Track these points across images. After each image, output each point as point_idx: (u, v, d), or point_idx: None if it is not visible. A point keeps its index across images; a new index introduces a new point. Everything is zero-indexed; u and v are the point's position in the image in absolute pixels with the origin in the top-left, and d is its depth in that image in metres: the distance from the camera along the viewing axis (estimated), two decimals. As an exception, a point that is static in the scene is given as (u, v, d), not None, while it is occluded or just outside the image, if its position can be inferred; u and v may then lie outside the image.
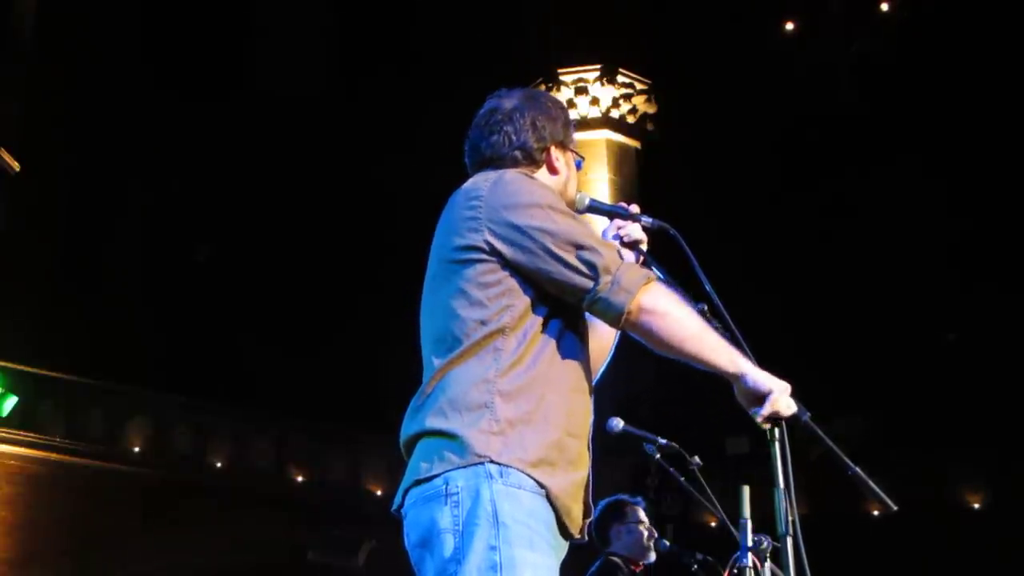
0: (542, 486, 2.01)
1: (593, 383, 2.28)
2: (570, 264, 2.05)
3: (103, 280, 16.95)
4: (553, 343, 2.10)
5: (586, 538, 2.18)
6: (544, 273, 2.07)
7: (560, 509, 2.04)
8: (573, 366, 2.13)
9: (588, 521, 2.18)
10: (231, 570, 13.77)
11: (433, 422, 2.03)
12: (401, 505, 2.09)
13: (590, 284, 2.04)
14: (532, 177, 2.22)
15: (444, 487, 1.98)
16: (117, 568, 13.38)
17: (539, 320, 2.09)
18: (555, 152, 2.31)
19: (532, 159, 2.29)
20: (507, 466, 1.98)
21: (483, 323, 2.06)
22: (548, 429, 2.03)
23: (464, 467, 1.97)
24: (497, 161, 2.27)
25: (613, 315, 2.05)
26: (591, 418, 2.19)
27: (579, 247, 2.06)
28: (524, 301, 2.08)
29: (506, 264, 2.08)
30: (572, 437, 2.08)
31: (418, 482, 2.02)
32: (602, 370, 2.36)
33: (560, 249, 2.05)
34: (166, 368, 15.83)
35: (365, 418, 14.26)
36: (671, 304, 2.06)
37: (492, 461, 1.97)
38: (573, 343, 2.14)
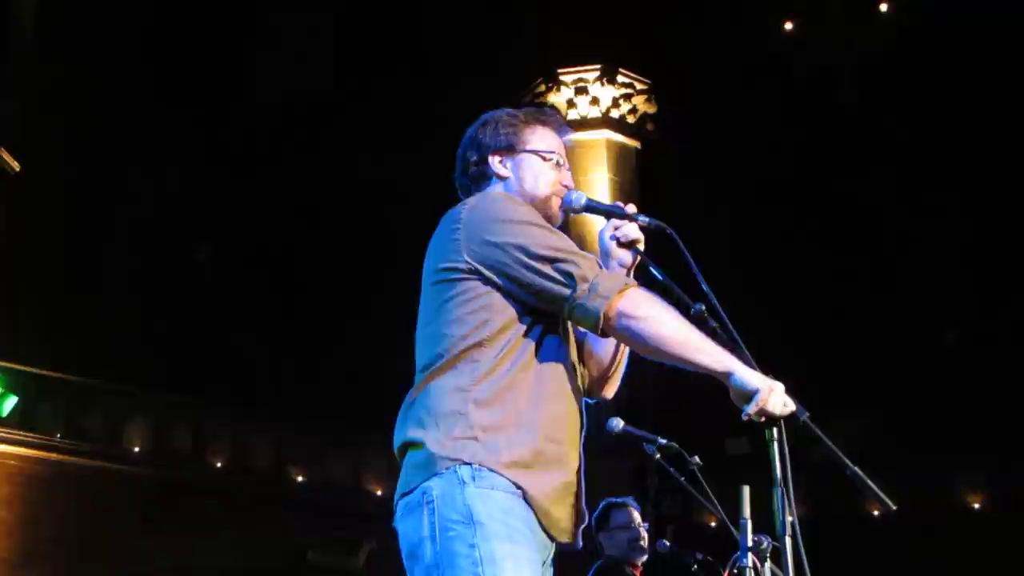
0: (518, 487, 2.03)
1: (617, 384, 2.37)
2: (546, 275, 2.09)
3: (103, 280, 16.94)
4: (531, 352, 2.14)
5: (580, 545, 2.20)
6: (522, 286, 2.12)
7: (537, 510, 2.06)
8: (553, 374, 2.16)
9: (583, 527, 2.20)
10: (231, 570, 13.76)
11: (413, 432, 2.10)
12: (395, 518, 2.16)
13: (567, 292, 2.08)
14: (508, 196, 2.28)
15: (422, 497, 2.03)
16: (117, 568, 13.37)
17: (518, 332, 2.14)
18: (495, 159, 2.36)
19: (483, 175, 2.36)
20: (480, 467, 2.01)
21: (463, 338, 2.12)
22: (522, 435, 2.07)
23: (439, 474, 2.02)
24: (469, 188, 2.38)
25: (591, 321, 2.09)
26: (578, 423, 2.20)
27: (555, 259, 2.10)
28: (503, 316, 2.13)
29: (486, 281, 2.14)
30: (552, 442, 2.11)
31: (403, 495, 2.09)
32: (622, 373, 2.40)
33: (536, 261, 2.10)
34: (166, 368, 15.83)
35: (365, 418, 14.24)
36: (651, 307, 2.08)
37: (464, 463, 2.01)
38: (554, 352, 2.18)
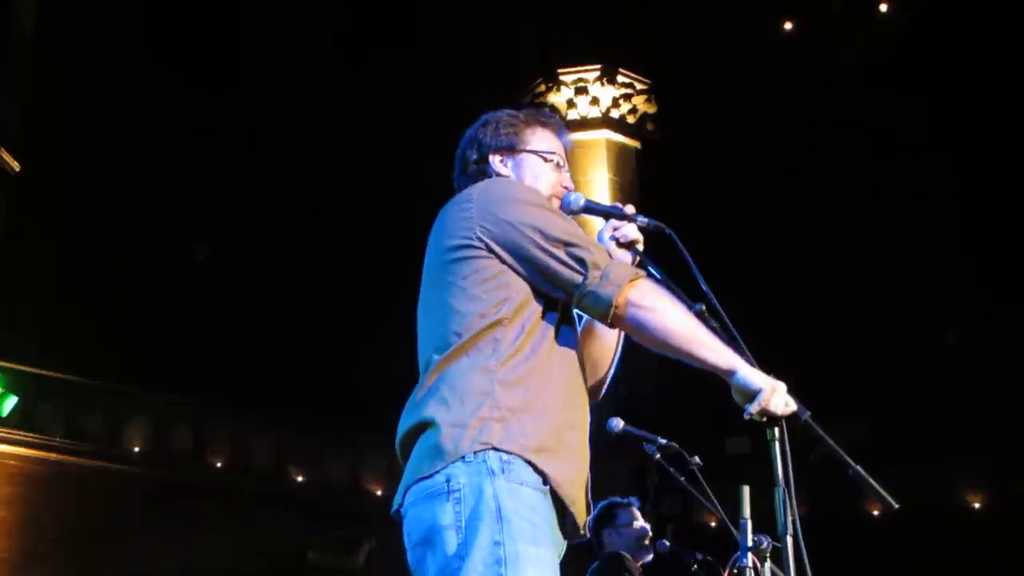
0: (544, 477, 2.02)
1: (605, 388, 2.36)
2: (560, 258, 2.09)
3: (103, 280, 16.93)
4: (550, 336, 2.13)
5: (588, 534, 2.21)
6: (534, 267, 2.11)
7: (565, 498, 2.05)
8: (568, 360, 2.16)
9: (590, 518, 2.21)
10: (231, 570, 13.76)
11: (434, 411, 2.05)
12: (401, 505, 2.09)
13: (579, 278, 2.07)
14: (520, 181, 2.30)
15: (446, 484, 1.99)
16: (117, 568, 13.37)
17: (536, 313, 2.12)
18: (496, 158, 2.36)
19: (483, 174, 2.35)
20: (508, 453, 1.99)
21: (482, 316, 2.09)
22: (546, 418, 2.05)
23: (465, 461, 1.98)
24: (467, 187, 2.35)
25: (602, 309, 2.07)
26: (588, 413, 2.20)
27: (568, 244, 2.10)
28: (520, 294, 2.12)
29: (500, 259, 2.12)
30: (571, 428, 2.11)
31: (420, 479, 2.03)
32: (610, 379, 2.39)
33: (550, 244, 2.10)
34: (166, 368, 15.83)
35: (365, 418, 14.25)
36: (660, 299, 2.08)
37: (495, 448, 1.99)
38: (568, 338, 2.17)
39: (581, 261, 2.08)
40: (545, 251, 2.09)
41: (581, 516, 2.10)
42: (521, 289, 2.12)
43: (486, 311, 2.09)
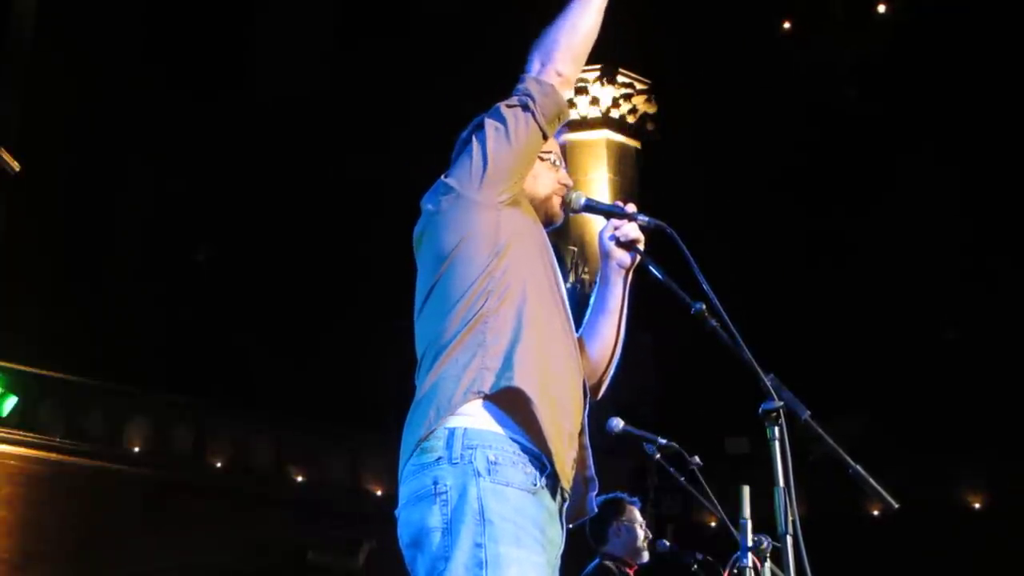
0: (531, 425, 2.02)
1: (604, 387, 2.38)
2: (507, 112, 2.34)
3: (103, 280, 16.94)
4: (537, 307, 2.16)
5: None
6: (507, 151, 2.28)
7: (548, 438, 2.03)
8: (555, 327, 2.18)
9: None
10: (231, 570, 13.76)
11: (433, 365, 2.10)
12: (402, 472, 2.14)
13: (527, 106, 2.34)
14: None
15: (434, 487, 2.01)
16: (117, 568, 13.37)
17: (521, 272, 2.16)
18: None
19: None
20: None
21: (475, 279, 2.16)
22: (533, 369, 2.07)
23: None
24: None
25: (556, 96, 2.37)
26: (580, 392, 2.21)
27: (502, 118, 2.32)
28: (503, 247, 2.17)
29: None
30: (558, 385, 2.11)
31: (419, 441, 2.06)
32: (609, 379, 2.40)
33: (491, 126, 2.34)
34: (166, 368, 15.82)
35: (364, 418, 14.25)
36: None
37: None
38: (551, 323, 2.18)
39: (517, 106, 2.27)
40: (495, 127, 2.29)
41: (564, 474, 2.08)
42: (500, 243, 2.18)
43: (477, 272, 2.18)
